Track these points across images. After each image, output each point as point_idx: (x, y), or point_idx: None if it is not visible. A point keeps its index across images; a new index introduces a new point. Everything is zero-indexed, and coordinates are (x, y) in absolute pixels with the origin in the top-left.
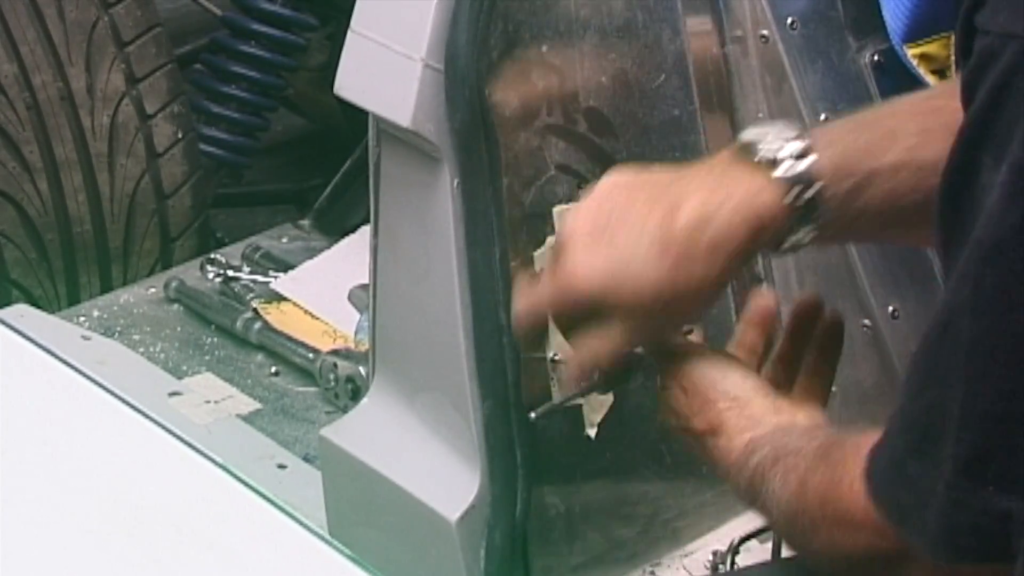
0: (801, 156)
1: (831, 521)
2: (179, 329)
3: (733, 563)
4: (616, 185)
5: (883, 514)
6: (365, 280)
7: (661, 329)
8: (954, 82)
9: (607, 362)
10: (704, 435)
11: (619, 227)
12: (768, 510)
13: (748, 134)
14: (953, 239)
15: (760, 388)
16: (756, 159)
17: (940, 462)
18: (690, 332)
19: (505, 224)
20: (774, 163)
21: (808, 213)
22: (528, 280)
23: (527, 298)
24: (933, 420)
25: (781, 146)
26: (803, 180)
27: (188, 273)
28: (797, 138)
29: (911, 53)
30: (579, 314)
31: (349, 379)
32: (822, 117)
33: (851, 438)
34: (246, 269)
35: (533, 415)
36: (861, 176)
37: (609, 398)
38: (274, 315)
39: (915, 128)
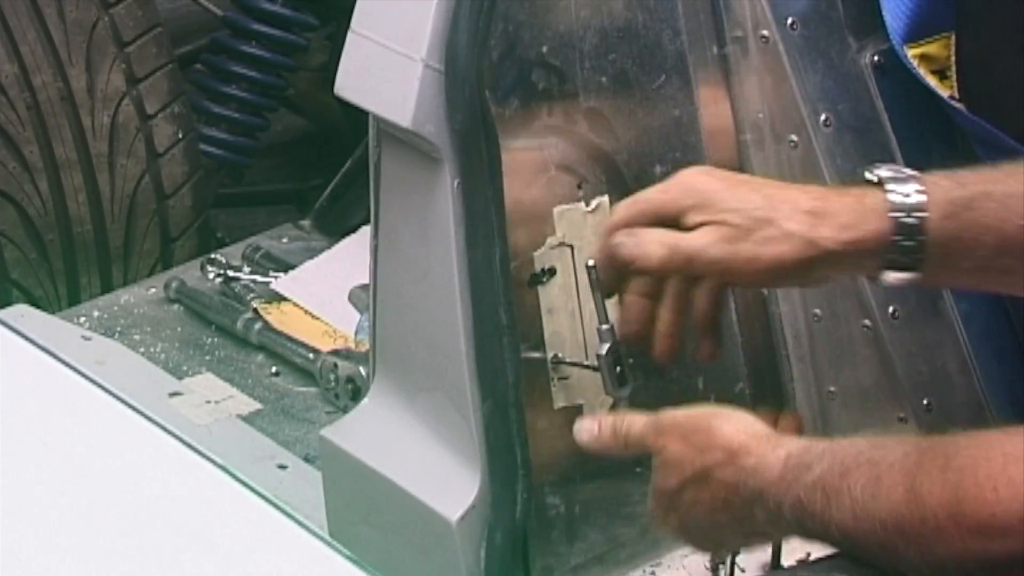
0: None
1: (966, 529)
2: (179, 329)
3: (734, 563)
4: None
5: None
6: (365, 280)
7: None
8: None
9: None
10: (723, 465)
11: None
12: (838, 525)
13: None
14: None
15: (752, 418)
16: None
17: None
18: None
19: (505, 224)
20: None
21: (912, 230)
22: None
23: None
24: None
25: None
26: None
27: (188, 273)
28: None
29: (911, 53)
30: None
31: (349, 379)
32: (822, 118)
33: (965, 441)
34: (246, 269)
35: None
36: (969, 195)
37: (609, 399)
38: (274, 315)
39: None
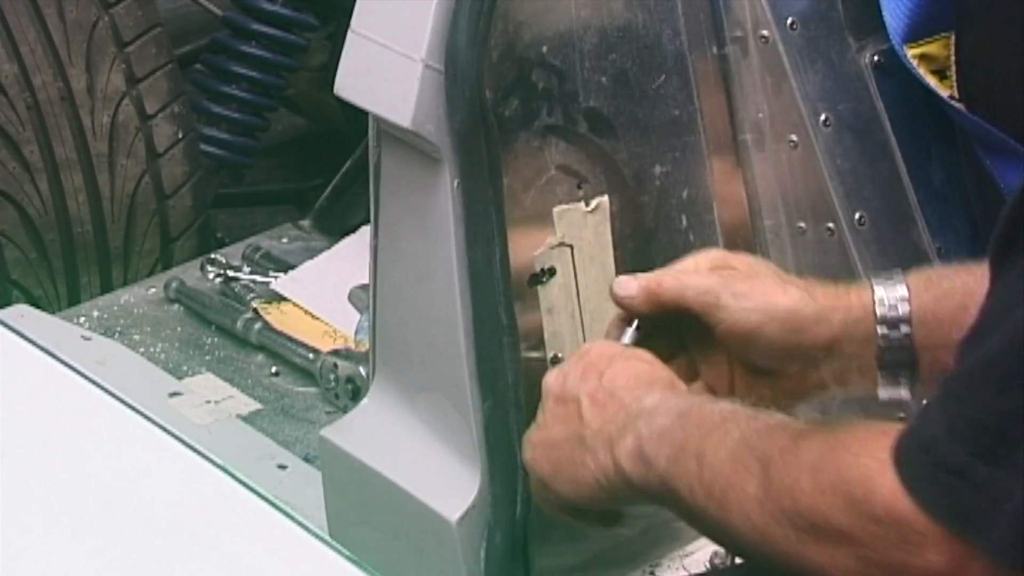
0: None
1: (803, 533)
2: (179, 329)
3: (733, 564)
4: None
5: (936, 518)
6: (365, 280)
7: None
8: None
9: None
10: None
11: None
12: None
13: None
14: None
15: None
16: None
17: (1020, 468)
18: None
19: (505, 224)
20: None
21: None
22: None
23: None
24: (1010, 426)
25: None
26: None
27: (188, 273)
28: None
29: (911, 53)
30: None
31: (349, 379)
32: (822, 118)
33: (807, 437)
34: (246, 269)
35: None
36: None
37: None
38: (274, 315)
39: None
